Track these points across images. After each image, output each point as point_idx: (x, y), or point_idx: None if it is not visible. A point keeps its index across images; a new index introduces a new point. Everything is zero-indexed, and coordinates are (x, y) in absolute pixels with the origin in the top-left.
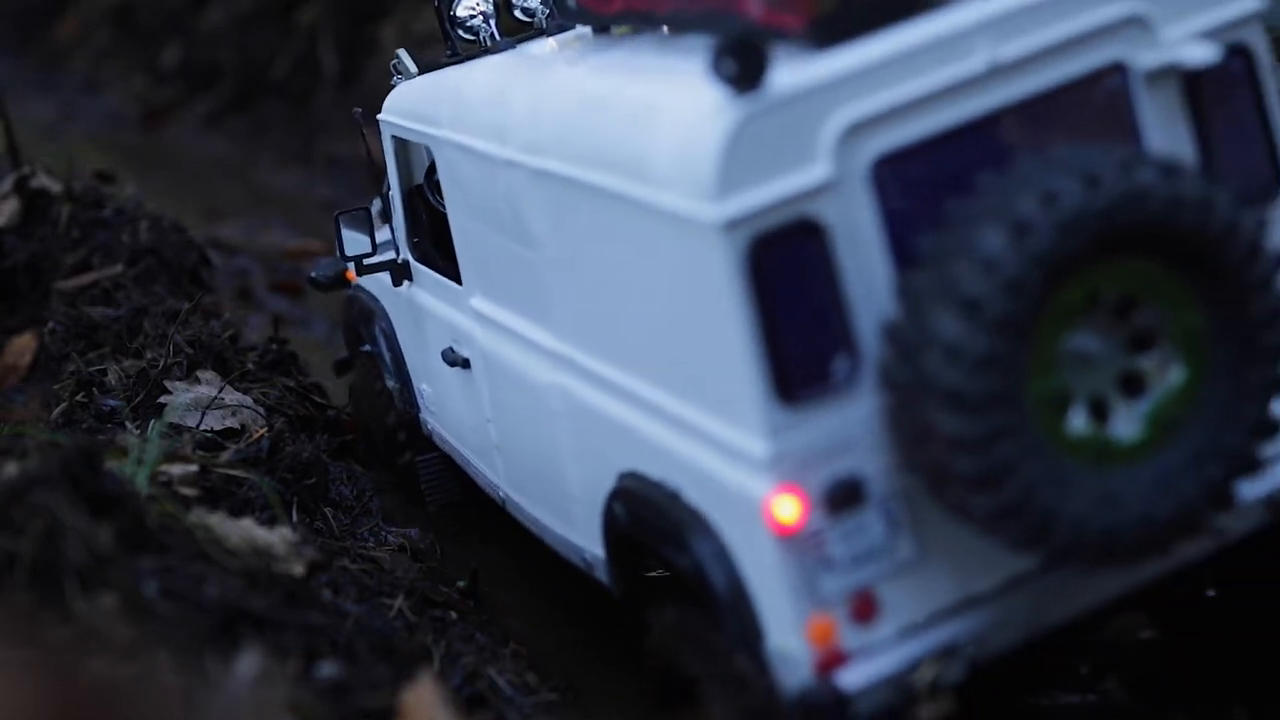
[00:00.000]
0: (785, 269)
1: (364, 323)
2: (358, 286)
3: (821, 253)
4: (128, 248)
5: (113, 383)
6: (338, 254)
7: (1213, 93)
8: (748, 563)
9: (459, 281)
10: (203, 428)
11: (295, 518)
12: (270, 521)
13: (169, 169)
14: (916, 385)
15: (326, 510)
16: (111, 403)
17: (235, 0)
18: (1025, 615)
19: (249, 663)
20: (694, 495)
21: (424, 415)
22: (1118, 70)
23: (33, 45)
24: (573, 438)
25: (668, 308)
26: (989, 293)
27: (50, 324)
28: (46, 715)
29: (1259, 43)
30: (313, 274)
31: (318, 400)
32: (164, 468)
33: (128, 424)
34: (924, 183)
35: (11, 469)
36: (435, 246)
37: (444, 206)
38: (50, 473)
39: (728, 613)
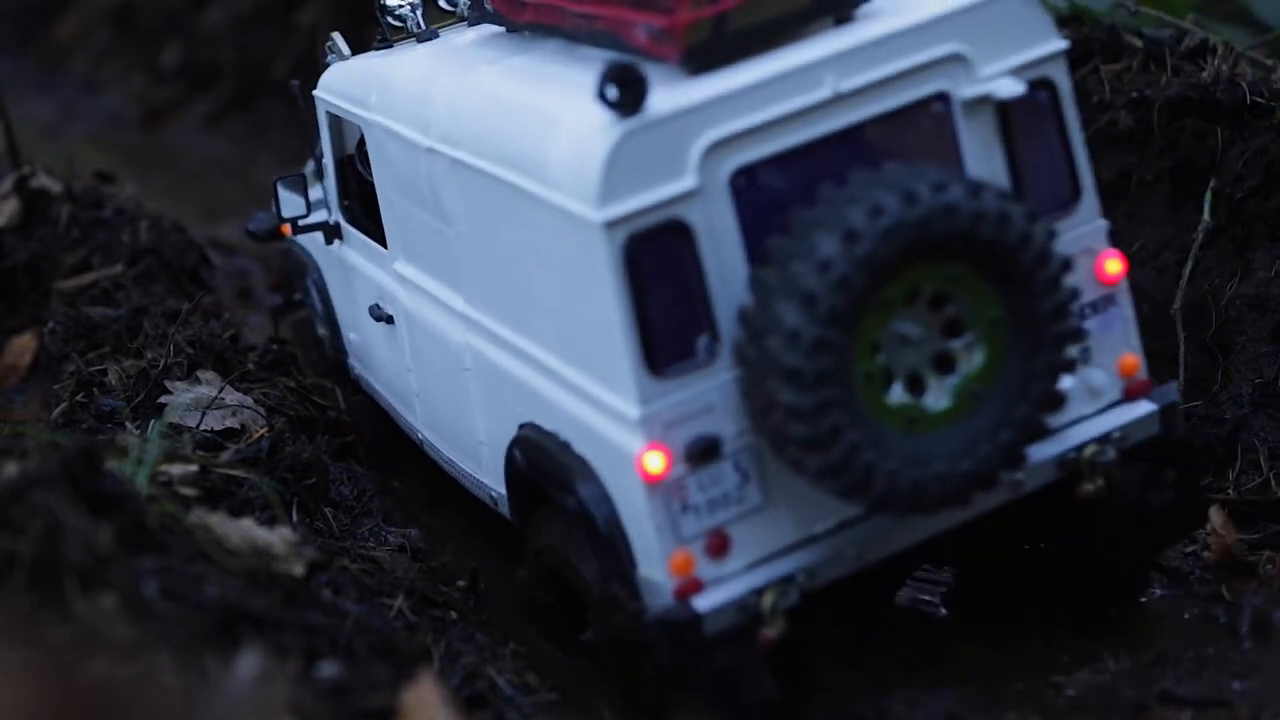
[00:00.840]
0: (657, 262)
1: (297, 274)
2: (292, 240)
3: (688, 249)
4: (128, 248)
5: (113, 383)
6: (275, 214)
7: (1022, 119)
8: (623, 505)
9: (384, 245)
10: (203, 428)
11: (295, 518)
12: (270, 521)
13: (169, 169)
14: (762, 363)
15: (326, 510)
16: (111, 403)
17: (235, 0)
18: (852, 553)
19: (249, 663)
20: (581, 446)
21: (351, 361)
22: (942, 99)
23: (33, 45)
24: (481, 391)
25: (561, 287)
26: (821, 289)
27: (50, 324)
28: (46, 715)
29: (1062, 77)
30: (249, 227)
31: (318, 400)
32: (164, 468)
33: (128, 424)
34: (775, 191)
35: (11, 469)
36: (364, 211)
37: (372, 177)
38: (50, 473)
39: (605, 546)
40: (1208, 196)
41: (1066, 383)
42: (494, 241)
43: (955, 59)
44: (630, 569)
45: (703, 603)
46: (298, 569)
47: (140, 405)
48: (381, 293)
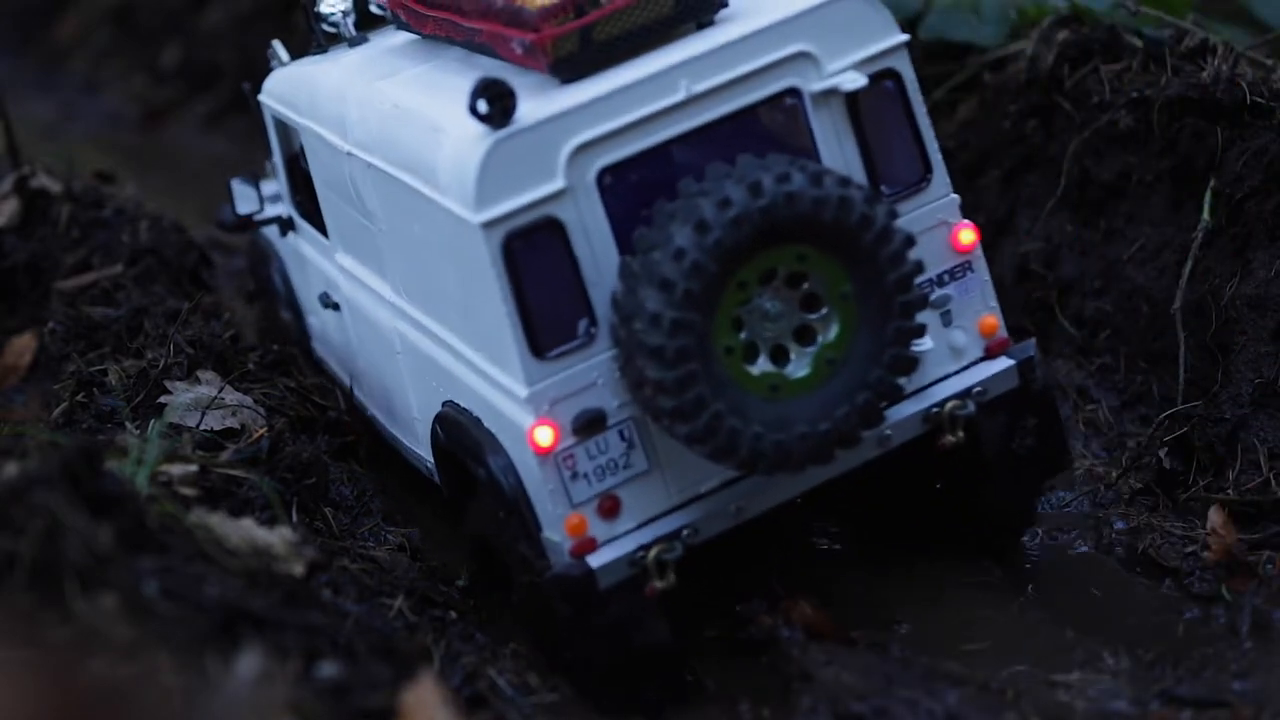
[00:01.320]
0: (534, 256)
1: (263, 263)
2: (259, 231)
3: (561, 243)
4: (128, 248)
5: (113, 383)
6: (231, 211)
7: (871, 107)
8: (525, 474)
9: (328, 238)
10: (203, 428)
11: (295, 518)
12: (270, 521)
13: (169, 169)
14: (631, 343)
15: (326, 510)
16: (111, 403)
17: (235, 0)
18: (732, 510)
19: (249, 663)
20: (489, 422)
21: (313, 344)
22: (793, 94)
23: (33, 45)
24: (410, 372)
25: (459, 279)
26: (677, 276)
27: (50, 324)
28: (46, 715)
29: (906, 67)
30: (218, 219)
31: (318, 401)
32: (164, 468)
33: (128, 424)
34: (640, 186)
35: (11, 469)
36: (310, 206)
37: (310, 181)
38: (50, 473)
39: (513, 511)
40: (1208, 196)
41: (926, 344)
42: (408, 237)
43: (803, 57)
44: (535, 532)
45: (596, 560)
46: (298, 569)
47: (140, 405)
48: (328, 282)
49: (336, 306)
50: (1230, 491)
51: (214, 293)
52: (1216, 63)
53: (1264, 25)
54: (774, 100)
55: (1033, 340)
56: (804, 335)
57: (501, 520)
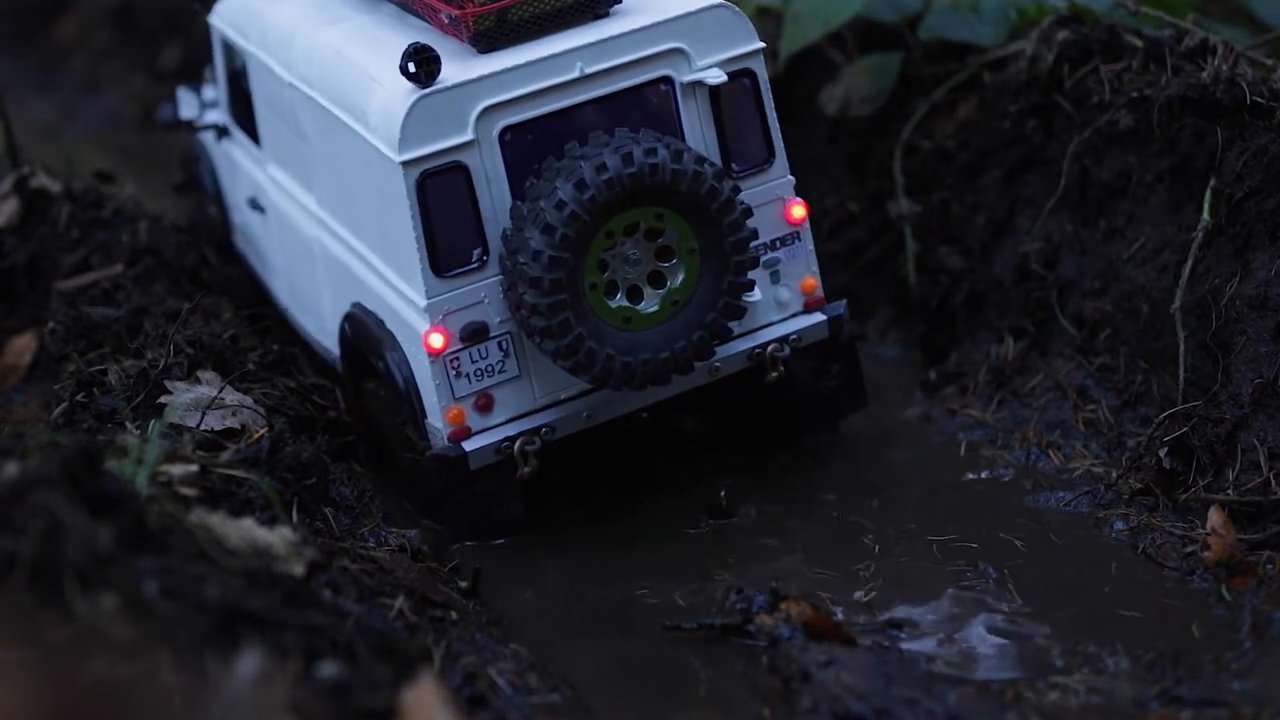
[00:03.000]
0: (442, 193)
1: (196, 161)
2: (194, 133)
3: (465, 184)
4: (128, 248)
5: (113, 383)
6: (171, 112)
7: (729, 99)
8: (417, 370)
9: (260, 148)
10: (203, 428)
11: (295, 518)
12: (270, 521)
13: (169, 169)
14: (515, 273)
15: (326, 510)
16: (111, 403)
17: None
18: (584, 415)
19: (249, 663)
20: (391, 324)
21: (235, 238)
22: (667, 82)
23: (33, 45)
24: (326, 275)
25: (378, 204)
26: (558, 222)
27: (50, 324)
28: (46, 715)
29: (760, 69)
30: (155, 117)
31: (318, 401)
32: (164, 468)
33: (128, 424)
34: (533, 145)
35: (11, 469)
36: (247, 119)
37: (250, 98)
38: (50, 473)
39: (404, 400)
40: (1208, 196)
41: (756, 296)
42: (337, 162)
43: (678, 52)
44: (421, 418)
45: (469, 445)
46: (298, 569)
47: (140, 405)
48: (257, 187)
49: (262, 210)
50: (1230, 491)
51: (214, 293)
52: (1216, 63)
53: (1264, 25)
54: (650, 86)
55: (844, 301)
56: (656, 279)
57: (393, 406)
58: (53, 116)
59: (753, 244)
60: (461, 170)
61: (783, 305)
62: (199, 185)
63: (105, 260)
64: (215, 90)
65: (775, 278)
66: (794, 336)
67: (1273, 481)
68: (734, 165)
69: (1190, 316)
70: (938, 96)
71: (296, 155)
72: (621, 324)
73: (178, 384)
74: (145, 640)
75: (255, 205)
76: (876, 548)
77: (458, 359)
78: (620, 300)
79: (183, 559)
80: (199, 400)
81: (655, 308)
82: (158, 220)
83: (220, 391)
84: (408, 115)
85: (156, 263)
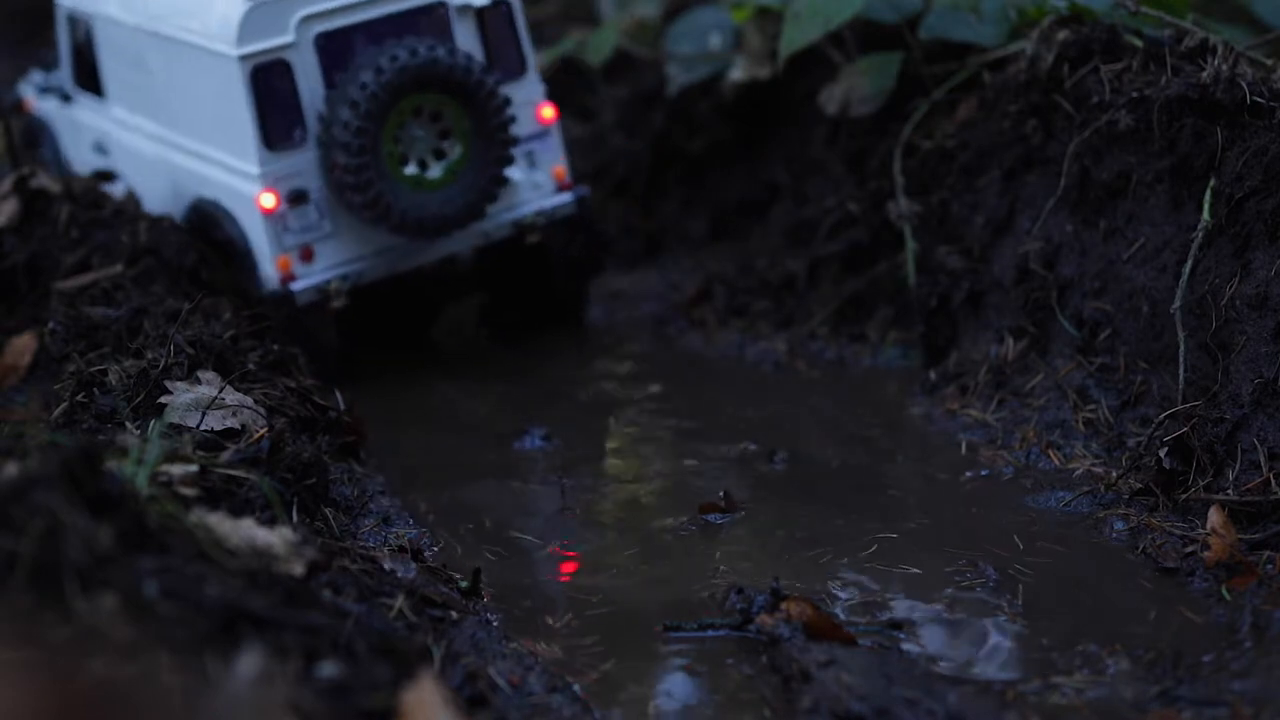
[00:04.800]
0: (270, 83)
1: (38, 132)
2: (34, 110)
3: (289, 76)
4: (128, 248)
5: (113, 383)
6: (16, 93)
7: (491, 21)
8: (250, 232)
9: (104, 98)
10: (203, 428)
11: (295, 518)
12: (270, 521)
13: None
14: (330, 142)
15: (326, 510)
16: (111, 403)
17: None
18: (385, 266)
19: (249, 663)
20: (227, 202)
21: None
22: (442, 6)
23: (34, 47)
24: (167, 185)
25: (218, 101)
26: (362, 99)
27: (50, 324)
28: (46, 715)
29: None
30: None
31: (318, 401)
32: (164, 468)
33: (128, 424)
34: (342, 48)
35: (11, 469)
36: (91, 79)
37: (94, 57)
38: (50, 473)
39: (243, 258)
40: (1208, 196)
41: (519, 176)
42: (179, 80)
43: None
44: (257, 269)
45: (295, 286)
46: (298, 569)
47: (140, 405)
48: (101, 134)
49: (106, 151)
50: (1230, 491)
51: (214, 293)
52: (1216, 63)
53: (1264, 25)
54: (431, 9)
55: (587, 186)
56: (439, 153)
57: (235, 263)
58: None
59: (511, 129)
60: (285, 65)
61: (538, 187)
62: (40, 159)
63: (105, 260)
64: (52, 74)
65: (532, 164)
66: (549, 211)
67: (1273, 481)
68: (496, 72)
69: (1190, 316)
70: (938, 96)
71: (141, 91)
72: (413, 186)
73: (178, 384)
74: (145, 640)
75: (100, 149)
76: (877, 547)
77: (284, 218)
78: (411, 169)
79: (183, 559)
80: (199, 400)
81: (439, 175)
82: (158, 220)
83: (220, 391)
84: (243, 20)
85: (156, 263)
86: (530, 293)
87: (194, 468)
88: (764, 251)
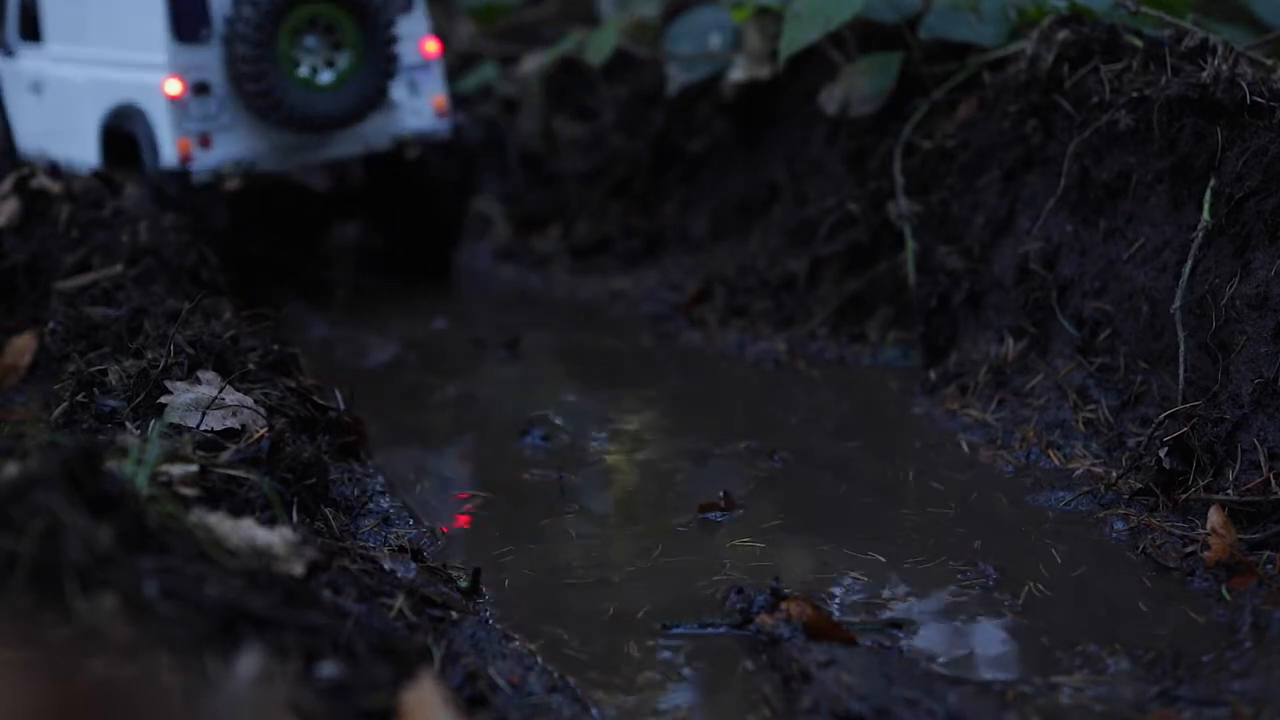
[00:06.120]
0: None
1: None
2: None
3: None
4: (128, 248)
5: (113, 383)
6: None
7: None
8: (156, 118)
9: (42, 41)
10: (203, 428)
11: (295, 518)
12: (270, 521)
13: None
14: (233, 39)
15: (326, 510)
16: (111, 403)
17: None
18: (278, 158)
19: (249, 663)
20: (141, 101)
21: (18, 142)
22: None
23: None
24: (91, 101)
25: (137, 10)
26: (261, 4)
27: (50, 324)
28: (46, 715)
29: None
30: None
31: (318, 401)
32: (164, 468)
33: (128, 424)
34: None
35: (11, 469)
36: (32, 28)
37: (36, 7)
38: (50, 473)
39: (149, 143)
40: (1208, 196)
41: (402, 100)
42: (108, 8)
43: None
44: (159, 152)
45: (193, 167)
46: (298, 569)
47: (140, 405)
48: (38, 74)
49: (39, 91)
50: (1230, 491)
51: (214, 293)
52: (1216, 63)
53: (1264, 25)
54: None
55: (462, 112)
56: (331, 61)
57: (143, 149)
58: None
59: (394, 47)
60: None
61: (420, 112)
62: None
63: (105, 260)
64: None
65: (414, 92)
66: (427, 132)
67: (1273, 481)
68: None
69: (1190, 316)
70: (938, 96)
71: (73, 22)
72: (304, 87)
73: (178, 384)
74: (145, 640)
75: (35, 88)
76: (876, 547)
77: (188, 105)
78: (304, 71)
79: (183, 559)
80: (199, 400)
81: (330, 80)
82: (158, 220)
83: (220, 391)
84: None
85: (156, 263)
86: (411, 214)
87: (194, 468)
88: (764, 251)
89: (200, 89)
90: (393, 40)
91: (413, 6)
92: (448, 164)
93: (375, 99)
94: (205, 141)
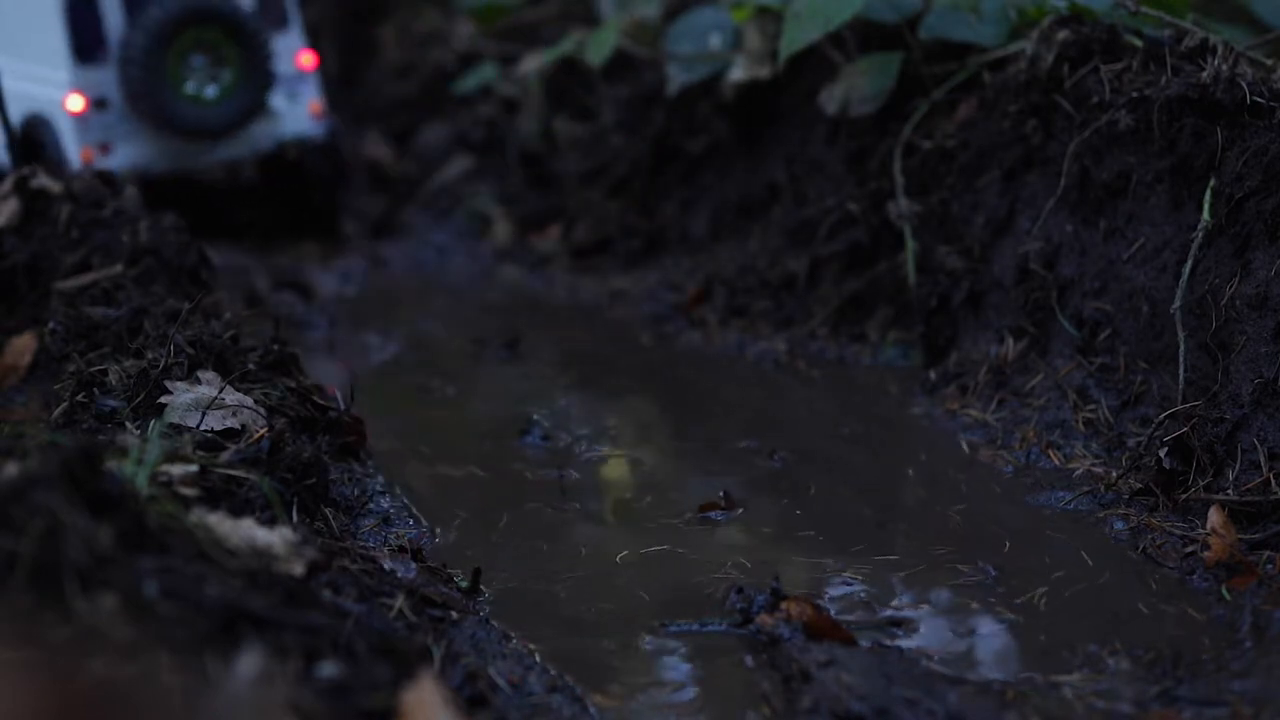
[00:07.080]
0: (83, 13)
1: None
2: None
3: (95, 9)
4: (128, 248)
5: (113, 383)
6: None
7: None
8: (62, 130)
9: None
10: (203, 428)
11: (295, 518)
12: (270, 521)
13: None
14: (126, 59)
15: (326, 510)
16: (111, 403)
17: None
18: (171, 161)
19: (249, 663)
20: (48, 112)
21: None
22: None
23: None
24: (15, 113)
25: (45, 30)
26: (154, 25)
27: (50, 324)
28: (46, 715)
29: None
30: None
31: (319, 401)
32: (164, 468)
33: (128, 424)
34: None
35: (11, 469)
36: None
37: None
38: (50, 473)
39: (56, 150)
40: (1208, 196)
41: (282, 107)
42: (25, 17)
43: None
44: (66, 158)
45: (102, 165)
46: (298, 569)
47: (140, 405)
48: None
49: None
50: (1230, 491)
51: (215, 293)
52: (1216, 63)
53: (1264, 25)
54: None
55: (337, 119)
56: (215, 78)
57: (50, 157)
58: None
59: (271, 65)
60: (92, 0)
61: (298, 118)
62: None
63: (105, 260)
64: None
65: (293, 100)
66: (305, 135)
67: (1273, 481)
68: (263, 22)
69: (1190, 316)
70: (938, 96)
71: (10, 40)
72: (191, 102)
73: (178, 384)
74: (145, 640)
75: None
76: (877, 546)
77: (89, 119)
78: (192, 89)
79: (183, 559)
80: (199, 400)
81: (214, 94)
82: (158, 220)
83: (220, 391)
84: None
85: (156, 263)
86: (294, 202)
87: (194, 468)
88: (764, 251)
89: (100, 104)
90: (269, 57)
91: (288, 25)
92: (323, 162)
93: (255, 110)
94: (105, 149)
